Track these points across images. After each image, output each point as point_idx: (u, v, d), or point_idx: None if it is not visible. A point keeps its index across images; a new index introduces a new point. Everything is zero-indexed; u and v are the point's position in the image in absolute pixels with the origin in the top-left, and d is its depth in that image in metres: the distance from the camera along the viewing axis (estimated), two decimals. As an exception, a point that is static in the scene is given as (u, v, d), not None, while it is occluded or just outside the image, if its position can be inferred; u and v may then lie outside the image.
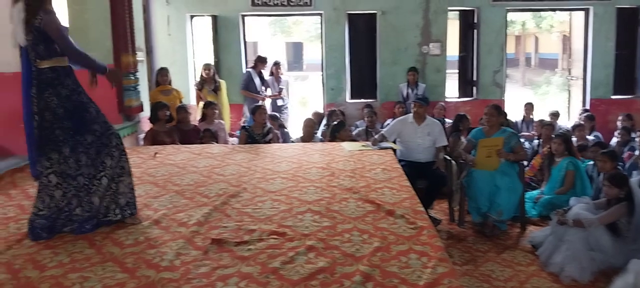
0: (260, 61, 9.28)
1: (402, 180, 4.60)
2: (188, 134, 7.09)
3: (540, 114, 10.65)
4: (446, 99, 10.14)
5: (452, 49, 10.55)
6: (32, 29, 3.23)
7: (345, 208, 3.80)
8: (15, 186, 4.62)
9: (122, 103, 6.94)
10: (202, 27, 10.27)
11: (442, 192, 6.30)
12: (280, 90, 9.19)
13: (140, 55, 7.83)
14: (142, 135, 7.35)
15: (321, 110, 10.01)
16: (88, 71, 3.60)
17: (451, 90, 10.65)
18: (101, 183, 3.41)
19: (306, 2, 9.92)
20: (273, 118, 7.75)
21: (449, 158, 6.40)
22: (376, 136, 6.39)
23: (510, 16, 10.71)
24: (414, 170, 5.84)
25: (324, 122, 8.54)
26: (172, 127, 7.04)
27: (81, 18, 6.81)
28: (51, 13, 3.25)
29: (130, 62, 7.00)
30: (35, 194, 3.43)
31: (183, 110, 7.30)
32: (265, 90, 9.24)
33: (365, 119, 8.17)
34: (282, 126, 7.92)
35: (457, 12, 10.50)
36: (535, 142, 8.35)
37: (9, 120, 5.18)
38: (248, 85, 9.11)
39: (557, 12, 14.99)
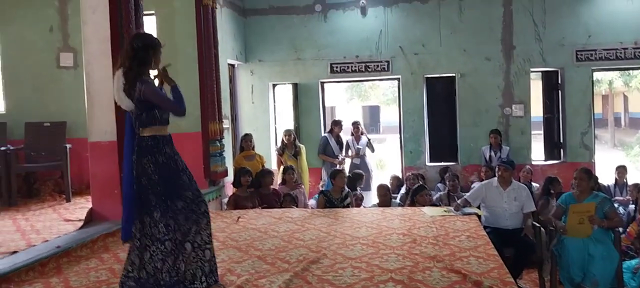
0: (336, 125, 9.41)
1: (488, 248, 4.42)
2: (268, 198, 7.22)
3: (634, 177, 9.98)
4: (532, 162, 9.76)
5: (536, 109, 10.22)
6: (133, 100, 3.46)
7: (429, 278, 3.68)
8: (107, 250, 4.86)
9: (209, 168, 7.22)
10: (284, 94, 10.61)
11: (531, 260, 5.97)
12: (358, 149, 9.21)
13: (226, 123, 8.18)
14: (225, 200, 7.57)
15: (399, 174, 9.91)
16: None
17: (537, 152, 10.25)
18: (186, 249, 3.51)
19: (383, 68, 10.05)
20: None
21: (537, 224, 6.09)
22: (459, 201, 6.22)
23: (596, 75, 10.26)
24: (500, 237, 5.60)
25: (404, 186, 8.43)
26: (253, 191, 7.20)
27: (172, 89, 7.24)
28: (148, 82, 3.48)
29: (217, 130, 7.32)
30: (125, 258, 3.58)
31: (268, 174, 7.46)
32: (342, 152, 9.30)
33: (447, 182, 7.99)
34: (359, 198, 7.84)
35: (540, 73, 10.23)
36: (631, 207, 7.80)
37: (105, 186, 5.52)
38: (325, 149, 9.23)
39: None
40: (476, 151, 9.62)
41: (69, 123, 7.70)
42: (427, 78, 10.06)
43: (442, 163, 9.86)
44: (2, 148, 6.80)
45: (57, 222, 5.82)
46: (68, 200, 7.02)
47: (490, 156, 9.19)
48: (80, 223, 5.44)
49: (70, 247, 4.58)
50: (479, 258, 4.12)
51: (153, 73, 3.62)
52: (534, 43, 9.69)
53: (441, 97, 10.13)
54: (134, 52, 3.48)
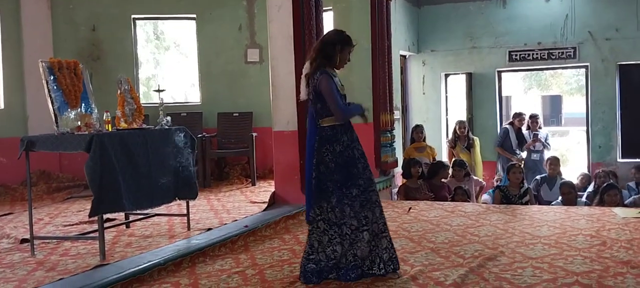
0: (517, 117, 8.93)
1: (694, 256, 3.88)
2: (438, 190, 7.12)
3: None
4: None
5: None
6: (311, 88, 3.65)
7: (621, 285, 3.35)
8: (288, 231, 5.20)
9: (379, 158, 7.34)
10: (456, 85, 10.35)
11: None
12: (545, 137, 8.65)
13: (397, 114, 8.23)
14: (395, 190, 7.64)
15: (586, 171, 9.10)
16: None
17: None
18: (364, 238, 3.62)
19: (569, 55, 9.29)
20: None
21: None
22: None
23: None
24: None
25: (592, 184, 7.72)
26: (423, 182, 7.15)
27: (347, 80, 7.46)
28: (326, 74, 3.64)
29: (388, 121, 7.41)
30: (305, 240, 3.81)
31: (443, 166, 7.38)
32: (521, 151, 8.79)
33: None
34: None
35: None
36: None
37: (287, 172, 5.93)
38: (503, 142, 8.82)
39: None
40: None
41: (255, 113, 8.37)
42: (620, 65, 9.09)
43: (637, 160, 8.82)
44: (199, 135, 7.60)
45: (244, 203, 6.39)
46: (253, 184, 7.67)
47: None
48: (264, 205, 5.91)
49: (256, 227, 5.01)
50: (684, 267, 3.64)
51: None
52: None
53: (637, 87, 9.07)
54: (321, 45, 3.71)
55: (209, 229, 4.96)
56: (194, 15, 8.78)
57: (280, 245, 4.72)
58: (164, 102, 5.14)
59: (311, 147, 3.74)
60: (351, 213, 3.64)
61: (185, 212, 5.17)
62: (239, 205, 6.27)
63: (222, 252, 4.45)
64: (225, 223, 5.18)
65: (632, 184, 7.83)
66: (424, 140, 8.41)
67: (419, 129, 8.46)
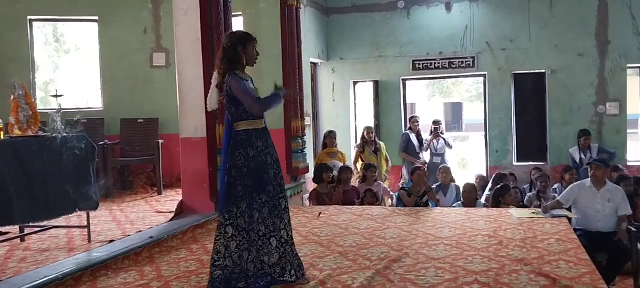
0: (412, 121, 9.36)
1: (579, 252, 4.21)
2: (348, 194, 7.24)
3: None
4: (628, 163, 9.17)
5: (633, 107, 9.59)
6: (224, 93, 3.59)
7: (516, 282, 3.56)
8: (196, 241, 5.07)
9: (291, 164, 7.37)
10: (364, 92, 10.61)
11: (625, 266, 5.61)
12: (436, 134, 9.10)
13: (308, 120, 8.30)
14: (306, 195, 7.69)
15: (484, 174, 9.64)
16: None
17: (633, 153, 9.63)
18: (271, 244, 3.61)
19: (469, 64, 9.80)
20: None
21: (634, 229, 5.71)
22: (549, 203, 5.95)
23: None
24: (592, 241, 5.33)
25: (489, 186, 8.18)
26: (333, 187, 7.24)
27: (257, 87, 7.45)
28: (235, 76, 3.59)
29: (299, 127, 7.46)
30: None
31: (347, 170, 7.51)
32: (423, 149, 9.19)
33: (537, 183, 7.66)
34: (453, 181, 7.79)
35: (638, 69, 9.58)
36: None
37: (195, 180, 5.78)
38: (407, 147, 9.14)
39: None
40: (567, 151, 9.16)
41: (161, 120, 8.12)
42: (515, 74, 9.71)
43: (530, 163, 9.47)
44: (100, 142, 7.25)
45: (149, 213, 6.17)
46: (159, 193, 7.41)
47: (580, 158, 8.70)
48: (171, 215, 5.73)
49: (162, 237, 4.84)
50: (570, 262, 3.94)
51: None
52: (632, 37, 9.09)
53: (530, 94, 9.75)
54: (223, 53, 3.64)
55: (112, 241, 4.75)
56: (96, 18, 8.40)
57: (188, 255, 4.59)
58: (63, 108, 4.86)
59: (226, 151, 3.69)
60: (260, 220, 3.61)
61: (85, 223, 4.90)
62: (144, 215, 6.05)
63: (126, 264, 4.27)
64: (129, 235, 4.98)
65: (526, 187, 8.38)
66: (336, 146, 8.55)
67: (332, 134, 8.59)
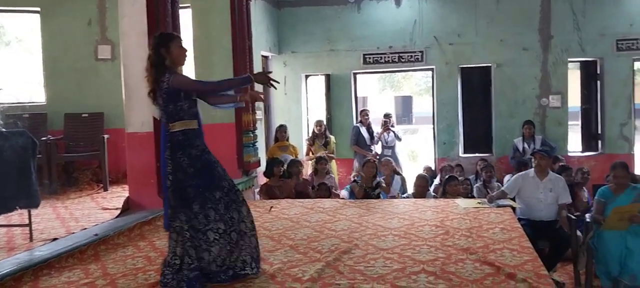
0: (362, 114, 9.47)
1: (522, 240, 4.36)
2: (301, 187, 7.26)
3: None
4: (569, 154, 9.55)
5: (574, 100, 9.99)
6: (162, 93, 3.49)
7: (461, 270, 3.65)
8: (143, 238, 4.96)
9: (242, 159, 7.31)
10: (316, 85, 10.63)
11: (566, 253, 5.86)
12: (385, 127, 9.22)
13: (259, 114, 8.25)
14: (257, 190, 7.65)
15: (432, 165, 9.84)
16: (236, 92, 3.82)
17: (574, 144, 10.03)
18: (232, 239, 3.56)
19: (417, 58, 9.96)
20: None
21: (573, 217, 5.97)
22: (494, 193, 6.13)
23: (638, 65, 9.97)
24: (535, 229, 5.52)
25: (438, 177, 8.37)
26: (284, 181, 7.24)
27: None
28: (176, 72, 3.51)
29: (250, 121, 7.40)
30: (161, 246, 3.66)
31: (297, 163, 7.52)
32: (374, 142, 9.30)
33: (482, 173, 7.89)
34: (397, 173, 7.88)
35: (578, 63, 9.98)
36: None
37: (142, 176, 5.66)
38: (358, 140, 9.23)
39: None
40: (512, 142, 9.46)
41: (107, 114, 7.90)
42: (462, 68, 9.94)
43: (477, 155, 9.74)
44: (43, 138, 7.00)
45: (95, 210, 6.00)
46: (105, 189, 7.22)
47: (523, 148, 9.02)
48: (118, 212, 5.59)
49: (107, 234, 4.71)
50: (513, 250, 4.07)
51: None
52: (573, 33, 9.47)
53: (476, 88, 10.01)
54: (148, 62, 3.54)
55: (55, 239, 4.58)
56: (38, 9, 8.09)
57: (134, 252, 4.49)
58: (3, 102, 4.66)
59: (163, 155, 3.58)
60: (216, 217, 3.54)
61: (27, 221, 4.72)
62: (89, 212, 5.87)
63: (70, 263, 4.14)
64: (73, 232, 4.82)
65: (471, 177, 8.60)
66: (288, 140, 8.54)
67: (283, 128, 8.59)
